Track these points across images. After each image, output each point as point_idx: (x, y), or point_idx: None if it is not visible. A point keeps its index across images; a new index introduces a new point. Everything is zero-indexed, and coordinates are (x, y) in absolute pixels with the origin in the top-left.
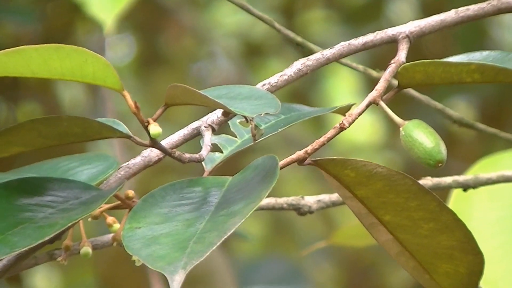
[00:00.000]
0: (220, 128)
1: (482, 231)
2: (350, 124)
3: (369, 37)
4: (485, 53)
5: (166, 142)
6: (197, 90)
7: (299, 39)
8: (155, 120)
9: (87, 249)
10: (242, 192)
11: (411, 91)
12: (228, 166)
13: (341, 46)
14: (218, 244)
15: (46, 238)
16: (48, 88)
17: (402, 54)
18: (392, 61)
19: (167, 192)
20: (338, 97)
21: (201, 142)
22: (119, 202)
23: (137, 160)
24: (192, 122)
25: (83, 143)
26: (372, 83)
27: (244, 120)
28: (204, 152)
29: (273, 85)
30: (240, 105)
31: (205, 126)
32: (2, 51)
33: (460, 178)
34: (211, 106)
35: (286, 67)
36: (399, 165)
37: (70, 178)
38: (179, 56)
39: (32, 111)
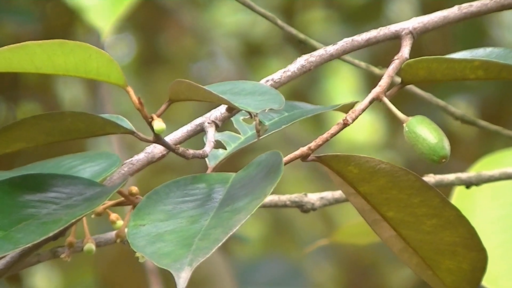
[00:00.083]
0: (223, 126)
1: (484, 229)
2: (354, 120)
3: (372, 33)
4: (488, 49)
5: (169, 139)
6: (201, 86)
7: (301, 36)
8: (159, 116)
9: (90, 245)
10: (246, 188)
11: (414, 88)
12: (228, 166)
13: (344, 42)
14: (223, 240)
15: (50, 234)
16: (48, 88)
17: (405, 50)
18: (396, 57)
19: (171, 189)
20: (338, 96)
21: (204, 138)
22: (122, 198)
23: (141, 157)
24: (195, 119)
25: (83, 143)
26: (372, 83)
27: (247, 117)
28: (207, 148)
29: (276, 81)
30: (244, 100)
31: (208, 123)
32: (6, 46)
33: (463, 175)
34: (215, 102)
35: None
36: (399, 164)
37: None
38: (179, 56)
39: (32, 111)
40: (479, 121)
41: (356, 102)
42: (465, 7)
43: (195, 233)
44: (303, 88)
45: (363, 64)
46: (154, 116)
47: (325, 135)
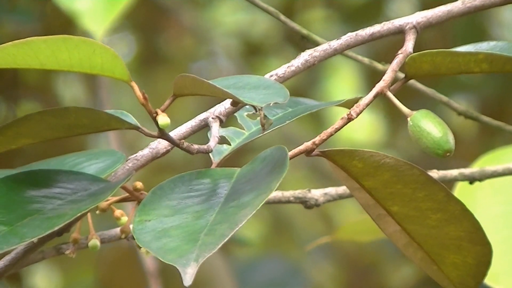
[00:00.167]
0: (227, 122)
1: (485, 226)
2: (358, 114)
3: (376, 28)
4: (492, 43)
5: (173, 134)
6: (205, 80)
7: (304, 31)
8: (163, 111)
9: (95, 241)
10: (252, 183)
11: (417, 84)
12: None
13: (348, 37)
14: (229, 236)
15: (55, 229)
16: (48, 87)
17: (409, 44)
18: (399, 52)
19: (176, 184)
20: (339, 96)
21: (208, 134)
22: (127, 194)
23: (145, 152)
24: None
25: (82, 145)
26: (373, 82)
27: (251, 113)
28: (212, 143)
29: (281, 76)
30: (248, 94)
31: (212, 118)
32: (10, 42)
33: (466, 171)
34: (219, 96)
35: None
36: None
37: None
38: (179, 55)
39: (32, 110)
40: (481, 116)
41: (360, 97)
42: (468, 1)
43: (201, 229)
44: (303, 88)
45: (366, 60)
46: (159, 111)
47: (330, 130)
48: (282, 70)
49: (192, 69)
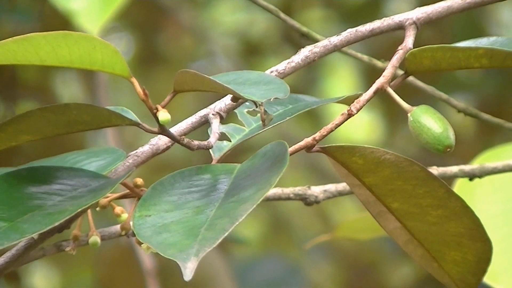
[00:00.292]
0: (228, 118)
1: (485, 224)
2: (358, 110)
3: (376, 24)
4: (492, 38)
5: (174, 130)
6: (206, 76)
7: (304, 29)
8: (163, 107)
9: (95, 238)
10: (252, 179)
11: (417, 81)
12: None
13: (348, 33)
14: (230, 230)
15: (56, 224)
16: (47, 87)
17: (409, 40)
18: (400, 48)
19: (176, 179)
20: (337, 95)
21: (209, 130)
22: (127, 191)
23: (145, 148)
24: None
25: (81, 143)
26: (371, 82)
27: (251, 109)
28: (212, 139)
29: (281, 72)
30: (249, 90)
31: (213, 114)
32: (11, 38)
33: (466, 167)
34: (220, 92)
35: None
36: None
37: None
38: (178, 55)
39: None
40: (481, 114)
41: (361, 94)
42: None
43: (201, 224)
44: (302, 87)
45: (365, 57)
46: (159, 107)
47: (330, 126)
48: (283, 66)
49: (191, 68)
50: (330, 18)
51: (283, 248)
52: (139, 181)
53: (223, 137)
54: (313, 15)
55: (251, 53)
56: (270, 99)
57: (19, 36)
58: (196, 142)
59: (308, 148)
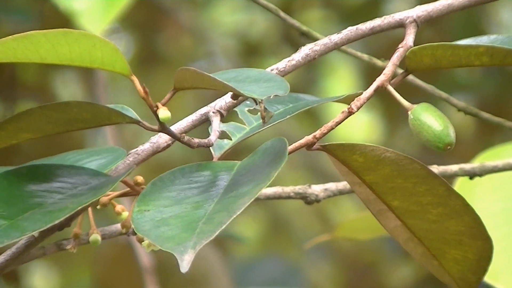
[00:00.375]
0: (228, 117)
1: (485, 223)
2: (359, 108)
3: (377, 22)
4: (492, 36)
5: (174, 128)
6: (206, 73)
7: (304, 28)
8: (164, 105)
9: (96, 236)
10: (251, 175)
11: (417, 80)
12: None
13: (349, 31)
14: (227, 223)
15: (56, 222)
16: (46, 88)
17: (409, 38)
18: (400, 45)
19: (176, 176)
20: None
21: (209, 128)
22: (128, 189)
23: (146, 146)
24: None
25: (80, 144)
26: (370, 82)
27: (252, 108)
28: (213, 137)
29: (281, 70)
30: (249, 87)
31: (213, 112)
32: (10, 36)
33: (466, 166)
34: (220, 89)
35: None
36: None
37: None
38: (177, 55)
39: None
40: (481, 112)
41: (361, 93)
42: None
43: (200, 218)
44: (302, 87)
45: (365, 56)
46: (159, 105)
47: (330, 124)
48: (283, 64)
49: None
50: (330, 19)
51: (283, 248)
52: (140, 179)
53: (223, 135)
54: (313, 15)
55: (251, 53)
56: (270, 96)
57: (19, 34)
58: (196, 140)
59: (309, 146)
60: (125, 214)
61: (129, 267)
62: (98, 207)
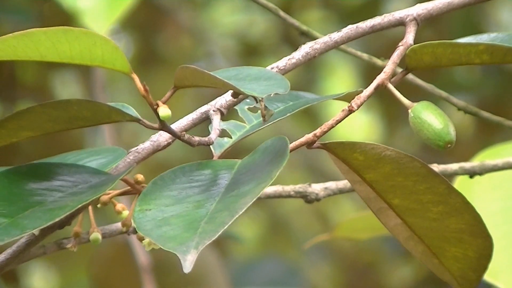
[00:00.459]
0: (228, 115)
1: (484, 222)
2: (359, 106)
3: (377, 20)
4: (492, 35)
5: (174, 126)
6: (206, 71)
7: (304, 27)
8: (164, 103)
9: (96, 235)
10: (252, 173)
11: (417, 79)
12: None
13: (349, 29)
14: (229, 223)
15: (56, 220)
16: (45, 88)
17: (409, 36)
18: (400, 44)
19: (177, 174)
20: None
21: (209, 127)
22: (128, 187)
23: (146, 145)
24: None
25: (80, 144)
26: (370, 82)
27: (252, 106)
28: (213, 135)
29: (282, 68)
30: (249, 85)
31: (213, 110)
32: (11, 34)
33: (466, 164)
34: (220, 87)
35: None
36: None
37: None
38: (177, 56)
39: None
40: (481, 111)
41: (362, 91)
42: None
43: (201, 217)
44: (300, 88)
45: (365, 55)
46: (160, 103)
47: (331, 122)
48: (283, 62)
49: None
50: (329, 19)
51: (282, 248)
52: (140, 177)
53: (224, 133)
54: (312, 16)
55: (250, 54)
56: (271, 94)
57: (19, 32)
58: (196, 138)
59: (309, 144)
60: (126, 213)
61: (126, 267)
62: (99, 205)
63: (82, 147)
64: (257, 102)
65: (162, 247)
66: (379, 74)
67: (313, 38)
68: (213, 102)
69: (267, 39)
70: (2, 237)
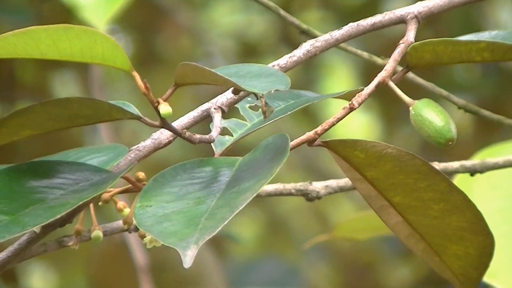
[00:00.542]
0: (229, 113)
1: None
2: (360, 104)
3: (378, 18)
4: (493, 32)
5: (176, 124)
6: (207, 68)
7: (304, 26)
8: (165, 101)
9: (98, 233)
10: (253, 170)
11: (417, 78)
12: None
13: (350, 27)
14: (229, 219)
15: (57, 217)
16: (45, 88)
17: (410, 34)
18: (401, 42)
19: (178, 172)
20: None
21: (210, 124)
22: (129, 185)
23: (147, 143)
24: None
25: (79, 143)
26: (370, 83)
27: (253, 104)
28: (214, 133)
29: (282, 66)
30: (250, 82)
31: (214, 108)
32: (11, 32)
33: (467, 163)
34: (221, 84)
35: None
36: None
37: None
38: (176, 56)
39: None
40: (481, 110)
41: (362, 89)
42: None
43: (202, 213)
44: (300, 88)
45: (365, 54)
46: (160, 100)
47: (332, 120)
48: (284, 60)
49: None
50: (329, 19)
51: (281, 248)
52: (141, 175)
53: (225, 131)
54: (311, 16)
55: (249, 54)
56: (271, 91)
57: (19, 30)
58: (198, 136)
59: (310, 142)
60: (127, 211)
61: (124, 266)
62: (100, 203)
63: (81, 146)
64: (257, 99)
65: (162, 243)
66: (378, 73)
67: (313, 36)
68: (214, 100)
69: (266, 39)
70: (3, 234)
